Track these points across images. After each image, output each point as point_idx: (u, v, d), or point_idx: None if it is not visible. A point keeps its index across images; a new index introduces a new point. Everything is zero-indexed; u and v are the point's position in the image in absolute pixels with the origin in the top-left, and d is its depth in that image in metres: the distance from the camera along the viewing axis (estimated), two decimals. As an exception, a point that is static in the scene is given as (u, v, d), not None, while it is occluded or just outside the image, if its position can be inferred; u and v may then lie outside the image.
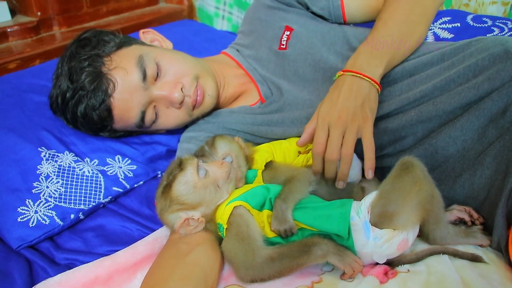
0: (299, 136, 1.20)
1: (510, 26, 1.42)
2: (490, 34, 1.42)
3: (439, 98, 1.06)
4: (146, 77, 1.21)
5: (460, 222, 1.03)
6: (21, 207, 1.14)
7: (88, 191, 1.20)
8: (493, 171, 0.99)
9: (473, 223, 1.03)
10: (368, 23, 1.34)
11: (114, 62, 1.21)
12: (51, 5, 1.86)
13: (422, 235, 0.99)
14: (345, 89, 1.03)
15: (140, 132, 1.36)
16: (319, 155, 1.00)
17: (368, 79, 1.04)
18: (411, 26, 1.13)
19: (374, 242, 0.90)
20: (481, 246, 0.99)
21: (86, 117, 1.22)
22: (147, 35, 1.41)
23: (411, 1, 1.14)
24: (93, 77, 1.19)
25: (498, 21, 1.47)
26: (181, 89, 1.23)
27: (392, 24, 1.12)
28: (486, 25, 1.47)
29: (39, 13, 1.83)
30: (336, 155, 0.98)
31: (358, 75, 1.04)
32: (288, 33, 1.31)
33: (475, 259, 0.95)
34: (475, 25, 1.49)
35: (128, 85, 1.20)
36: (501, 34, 1.41)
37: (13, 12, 1.84)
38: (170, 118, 1.28)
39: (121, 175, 1.27)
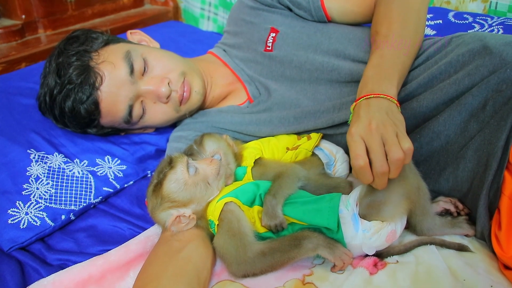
0: (287, 135, 1.23)
1: (490, 22, 1.45)
2: (471, 30, 1.45)
3: (423, 95, 1.08)
4: (133, 71, 1.22)
5: (446, 213, 1.06)
6: (11, 209, 1.13)
7: (78, 192, 1.21)
8: (474, 164, 1.02)
9: (458, 214, 1.05)
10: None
11: (101, 56, 1.22)
12: (36, 8, 1.85)
13: (410, 227, 1.02)
14: (364, 110, 0.94)
15: (128, 129, 1.37)
16: (363, 168, 0.88)
17: (383, 96, 0.96)
18: (411, 35, 1.11)
19: (363, 234, 0.92)
20: (466, 236, 1.02)
21: (74, 111, 1.22)
22: (135, 35, 1.42)
23: (404, 8, 1.14)
24: (80, 71, 1.20)
25: (478, 17, 1.50)
26: (168, 84, 1.24)
27: (394, 39, 1.08)
28: (467, 22, 1.50)
29: (23, 16, 1.82)
30: (386, 166, 0.86)
31: (371, 96, 0.97)
32: (273, 35, 1.31)
33: (461, 248, 0.98)
34: (456, 21, 1.52)
35: (116, 79, 1.21)
36: (482, 30, 1.44)
37: (-4, 16, 1.84)
38: (157, 113, 1.29)
39: (111, 176, 1.27)
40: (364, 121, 0.91)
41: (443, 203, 1.06)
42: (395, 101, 0.97)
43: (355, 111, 0.97)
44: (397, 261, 0.96)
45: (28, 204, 1.15)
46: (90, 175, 1.25)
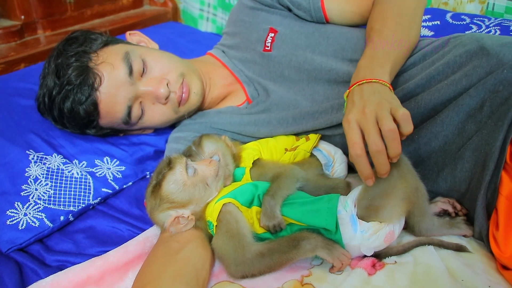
0: (286, 135, 1.23)
1: (487, 23, 1.45)
2: (469, 31, 1.45)
3: (420, 95, 1.09)
4: (132, 72, 1.23)
5: (444, 213, 1.06)
6: (10, 210, 1.13)
7: (77, 193, 1.21)
8: (472, 164, 1.02)
9: (456, 214, 1.05)
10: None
11: (100, 57, 1.23)
12: (35, 9, 1.85)
13: (408, 227, 1.02)
14: (357, 95, 0.95)
15: (126, 130, 1.37)
16: (360, 157, 0.88)
17: (375, 81, 0.97)
18: (405, 31, 1.12)
19: (361, 235, 0.92)
20: (465, 236, 1.02)
21: (73, 112, 1.23)
22: (133, 36, 1.42)
23: (399, 7, 1.15)
24: (79, 72, 1.20)
25: (476, 18, 1.51)
26: (167, 85, 1.25)
27: (387, 33, 1.10)
28: (464, 23, 1.50)
29: (22, 17, 1.82)
30: (381, 144, 0.86)
31: (364, 81, 0.97)
32: (272, 35, 1.32)
33: (459, 248, 0.98)
34: (454, 22, 1.52)
35: (115, 80, 1.21)
36: (479, 31, 1.44)
37: (-5, 16, 1.84)
38: (156, 114, 1.29)
39: (110, 176, 1.27)
40: (358, 106, 0.91)
41: (441, 204, 1.06)
42: (388, 85, 0.97)
43: (349, 99, 0.98)
44: (395, 261, 0.96)
45: (27, 205, 1.15)
46: (89, 176, 1.25)
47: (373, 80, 0.97)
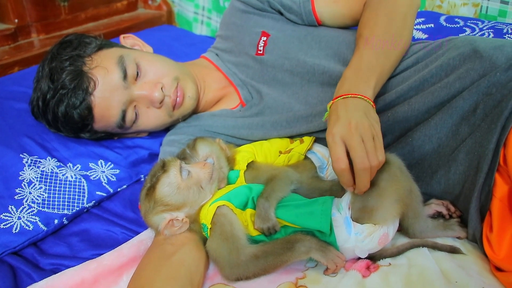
0: (280, 138, 1.23)
1: (480, 26, 1.47)
2: (462, 34, 1.47)
3: (414, 98, 1.09)
4: (126, 76, 1.22)
5: (438, 215, 1.06)
6: (3, 214, 1.13)
7: (71, 196, 1.20)
8: (466, 166, 1.03)
9: (450, 216, 1.06)
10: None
11: (95, 61, 1.22)
12: (29, 12, 1.85)
13: (402, 229, 1.02)
14: (341, 109, 0.96)
15: (121, 134, 1.37)
16: (344, 171, 0.90)
17: (360, 97, 0.98)
18: (394, 37, 1.12)
19: (356, 237, 0.93)
20: (458, 238, 1.03)
21: (67, 116, 1.23)
22: (128, 40, 1.42)
23: (389, 12, 1.15)
24: (73, 76, 1.20)
25: (469, 21, 1.52)
26: (161, 88, 1.25)
27: (375, 41, 1.09)
28: (458, 26, 1.51)
29: (16, 20, 1.82)
30: (367, 162, 0.89)
31: (349, 95, 0.98)
32: (264, 38, 1.32)
33: (453, 250, 0.99)
34: (448, 25, 1.53)
35: (109, 84, 1.21)
36: (473, 33, 1.45)
37: (-11, 20, 1.83)
38: (150, 118, 1.29)
39: (104, 180, 1.27)
40: (343, 121, 0.93)
41: (435, 206, 1.06)
42: (371, 102, 0.99)
43: (332, 110, 0.98)
44: (389, 263, 0.96)
45: (21, 208, 1.15)
46: (83, 179, 1.24)
47: (358, 96, 0.98)
